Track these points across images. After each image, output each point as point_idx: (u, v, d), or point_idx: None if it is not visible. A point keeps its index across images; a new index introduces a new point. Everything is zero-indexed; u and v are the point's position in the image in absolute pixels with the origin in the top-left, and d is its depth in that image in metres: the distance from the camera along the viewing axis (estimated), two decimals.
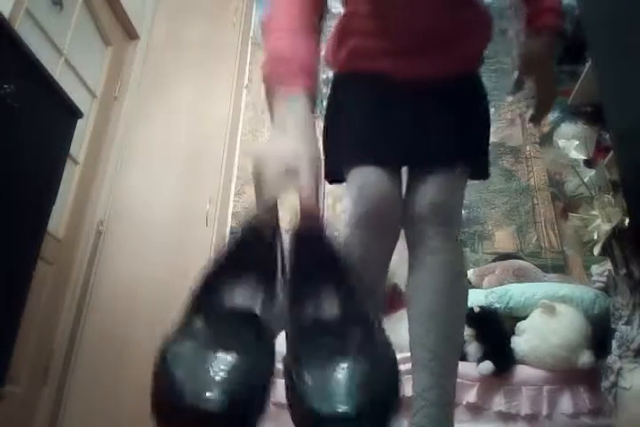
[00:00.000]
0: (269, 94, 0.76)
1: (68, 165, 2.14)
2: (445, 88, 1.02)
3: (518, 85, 1.11)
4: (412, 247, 1.02)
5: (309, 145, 0.65)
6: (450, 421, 0.90)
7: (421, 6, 0.98)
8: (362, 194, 0.96)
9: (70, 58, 2.37)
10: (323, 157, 0.87)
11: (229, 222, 2.75)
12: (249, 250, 0.57)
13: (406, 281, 1.04)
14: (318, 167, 0.64)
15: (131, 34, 2.98)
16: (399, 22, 1.00)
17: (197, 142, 2.78)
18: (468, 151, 1.04)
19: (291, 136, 0.66)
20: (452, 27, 1.03)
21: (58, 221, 2.25)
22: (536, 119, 1.15)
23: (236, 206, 2.80)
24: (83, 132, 2.47)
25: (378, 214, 0.95)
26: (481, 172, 1.09)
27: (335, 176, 1.04)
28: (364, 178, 0.96)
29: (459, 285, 1.01)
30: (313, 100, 0.74)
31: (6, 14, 1.78)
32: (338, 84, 1.11)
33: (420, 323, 0.96)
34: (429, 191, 0.99)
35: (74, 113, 1.93)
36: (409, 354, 0.98)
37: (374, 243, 0.96)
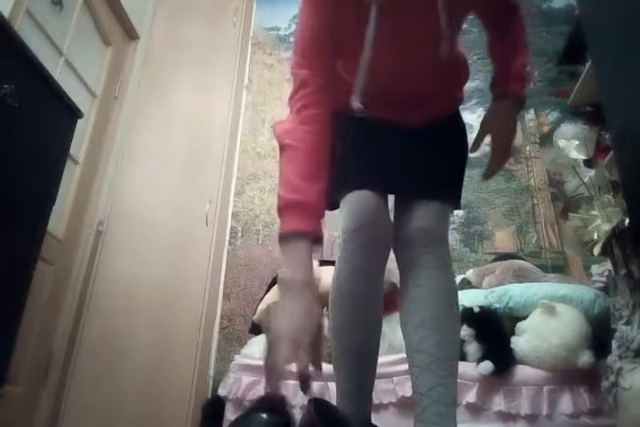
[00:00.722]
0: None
1: (68, 165, 2.14)
2: (430, 129, 1.13)
3: (475, 145, 1.17)
4: (404, 267, 1.08)
5: (308, 318, 0.74)
6: (454, 419, 0.92)
7: (406, 71, 1.07)
8: (352, 210, 1.03)
9: (70, 58, 2.37)
10: None
11: (229, 222, 2.75)
12: None
13: (399, 294, 1.09)
14: (318, 333, 0.74)
15: (131, 34, 2.98)
16: (387, 83, 1.08)
17: (197, 142, 2.78)
18: (446, 183, 1.13)
19: (293, 311, 0.75)
20: (435, 84, 1.11)
21: (58, 221, 2.25)
22: (487, 175, 1.22)
23: (236, 206, 2.80)
24: (83, 132, 2.47)
25: (368, 226, 1.01)
26: (455, 201, 1.16)
27: (330, 205, 1.08)
28: (355, 198, 1.04)
29: (450, 296, 1.06)
30: (317, 241, 0.84)
31: (6, 14, 1.78)
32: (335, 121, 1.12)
33: (414, 331, 1.00)
34: (417, 217, 1.06)
35: (74, 113, 1.93)
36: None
37: (367, 253, 1.02)
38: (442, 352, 0.96)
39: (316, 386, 1.72)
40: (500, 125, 1.15)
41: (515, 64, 1.16)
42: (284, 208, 0.84)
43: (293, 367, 0.72)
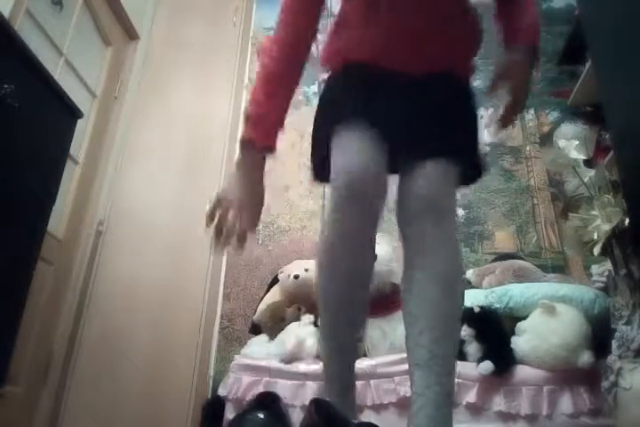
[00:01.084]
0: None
1: (68, 165, 2.14)
2: (438, 84, 1.05)
3: (492, 87, 1.11)
4: (409, 245, 1.02)
5: (250, 193, 1.05)
6: (450, 421, 0.89)
7: (410, 9, 1.02)
8: (345, 164, 0.96)
9: (70, 58, 2.37)
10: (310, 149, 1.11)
11: None
12: None
13: (401, 279, 1.04)
14: (256, 207, 1.06)
15: (131, 34, 2.98)
16: (389, 21, 1.04)
17: (197, 142, 2.78)
18: (458, 144, 1.04)
19: (238, 185, 1.03)
20: (439, 28, 1.05)
21: (58, 221, 2.25)
22: (502, 125, 1.15)
23: None
24: (83, 132, 2.47)
25: (361, 183, 0.94)
26: (473, 172, 1.09)
27: (322, 152, 1.04)
28: (349, 145, 0.97)
29: (456, 284, 1.00)
30: (267, 148, 1.03)
31: (6, 14, 1.78)
32: (331, 82, 1.14)
33: (415, 323, 0.96)
34: (425, 188, 0.99)
35: (74, 113, 1.93)
36: None
37: (358, 213, 0.95)
38: (441, 349, 0.93)
39: (315, 386, 1.72)
40: (516, 75, 1.08)
41: (525, 17, 1.11)
42: (245, 119, 1.01)
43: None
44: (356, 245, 1.00)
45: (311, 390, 1.73)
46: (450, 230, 1.00)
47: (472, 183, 1.12)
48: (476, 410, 1.59)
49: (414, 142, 1.02)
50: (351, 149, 0.97)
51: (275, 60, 1.04)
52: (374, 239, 1.03)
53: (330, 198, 0.99)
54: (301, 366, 1.78)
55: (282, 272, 2.13)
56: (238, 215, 0.97)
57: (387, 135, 1.00)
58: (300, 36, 1.06)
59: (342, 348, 1.10)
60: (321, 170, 1.08)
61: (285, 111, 1.04)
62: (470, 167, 1.08)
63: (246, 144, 1.01)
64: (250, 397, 1.83)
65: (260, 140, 1.01)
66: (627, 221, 1.43)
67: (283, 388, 1.71)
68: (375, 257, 1.09)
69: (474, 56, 1.16)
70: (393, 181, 1.05)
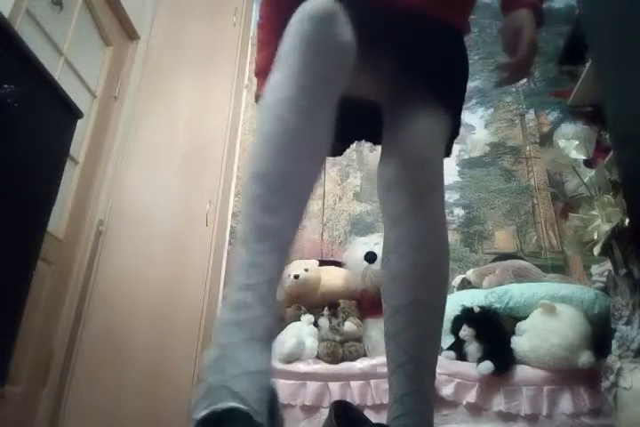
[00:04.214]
0: None
1: (68, 165, 2.14)
2: (429, 32, 0.95)
3: (501, 68, 1.01)
4: (385, 217, 0.93)
5: None
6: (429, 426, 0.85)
7: None
8: (304, 11, 0.74)
9: (70, 58, 2.37)
10: None
11: (229, 222, 2.75)
12: None
13: (381, 263, 0.94)
14: None
15: (131, 34, 2.98)
16: None
17: (197, 142, 2.78)
18: (446, 91, 0.95)
19: None
20: None
21: (58, 221, 2.25)
22: (500, 83, 1.04)
23: (236, 206, 2.80)
24: (83, 132, 2.47)
25: (321, 30, 0.73)
26: (453, 124, 0.98)
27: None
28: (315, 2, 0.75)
29: (441, 275, 0.92)
30: None
31: (6, 14, 1.78)
32: None
33: (392, 317, 0.89)
34: (413, 146, 0.91)
35: (74, 113, 1.93)
36: None
37: (315, 64, 0.72)
38: (419, 350, 0.86)
39: (315, 386, 1.72)
40: (525, 36, 0.98)
41: None
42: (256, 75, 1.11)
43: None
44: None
45: (311, 390, 1.73)
46: (437, 211, 0.92)
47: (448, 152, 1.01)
48: (476, 410, 1.59)
49: (410, 82, 0.91)
50: (317, 7, 0.74)
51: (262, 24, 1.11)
52: (330, 103, 0.74)
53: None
54: (301, 366, 1.78)
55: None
56: None
57: (384, 54, 0.88)
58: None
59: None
60: None
61: None
62: (453, 116, 0.97)
63: (257, 98, 1.07)
64: None
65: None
66: (627, 221, 1.43)
67: (283, 388, 1.71)
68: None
69: (470, 10, 1.07)
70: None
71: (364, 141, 1.08)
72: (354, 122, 0.91)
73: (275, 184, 0.68)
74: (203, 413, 0.51)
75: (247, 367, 0.56)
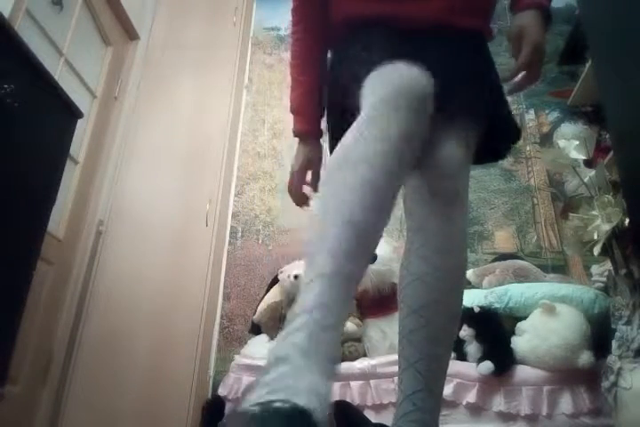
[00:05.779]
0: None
1: (68, 165, 2.14)
2: (453, 44, 0.99)
3: (513, 74, 1.01)
4: (418, 218, 0.96)
5: (300, 159, 1.16)
6: (435, 426, 0.86)
7: None
8: (389, 76, 0.81)
9: (70, 58, 2.37)
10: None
11: (229, 222, 2.75)
12: None
13: (400, 265, 0.98)
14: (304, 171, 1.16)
15: (131, 34, 2.98)
16: None
17: (197, 142, 2.78)
18: (487, 103, 0.99)
19: (295, 157, 1.17)
20: None
21: (58, 221, 2.25)
22: (512, 91, 1.06)
23: (235, 206, 2.80)
24: (83, 132, 2.47)
25: (409, 89, 0.78)
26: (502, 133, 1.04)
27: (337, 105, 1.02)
28: (390, 67, 0.83)
29: (459, 281, 0.96)
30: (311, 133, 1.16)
31: (6, 14, 1.78)
32: (343, 43, 1.06)
33: (408, 316, 0.92)
34: (444, 158, 0.95)
35: (74, 113, 1.93)
36: None
37: (408, 116, 0.76)
38: (433, 349, 0.88)
39: None
40: (529, 38, 0.98)
41: None
42: (292, 113, 1.18)
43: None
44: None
45: None
46: (460, 219, 0.95)
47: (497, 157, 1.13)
48: (476, 410, 1.59)
49: (446, 100, 0.91)
50: (397, 68, 0.82)
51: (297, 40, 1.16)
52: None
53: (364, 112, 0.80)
54: None
55: (282, 272, 2.14)
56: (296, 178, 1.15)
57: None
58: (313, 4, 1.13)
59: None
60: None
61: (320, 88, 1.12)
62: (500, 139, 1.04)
63: (294, 134, 1.17)
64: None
65: (298, 129, 1.17)
66: (627, 221, 1.43)
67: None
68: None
69: (491, 12, 1.11)
70: None
71: None
72: None
73: (364, 233, 0.68)
74: (255, 405, 0.48)
75: (318, 387, 0.53)
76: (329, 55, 1.15)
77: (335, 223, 0.67)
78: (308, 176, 1.15)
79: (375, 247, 0.73)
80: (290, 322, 0.59)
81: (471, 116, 0.99)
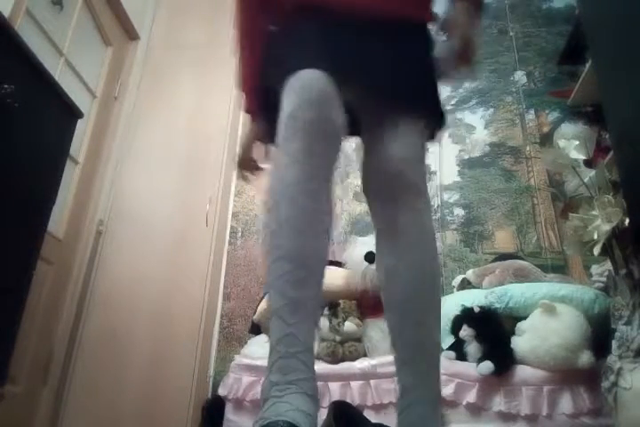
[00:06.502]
0: None
1: (68, 165, 2.14)
2: (392, 31, 0.98)
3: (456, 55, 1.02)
4: (377, 222, 1.00)
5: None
6: (438, 417, 0.88)
7: None
8: (294, 88, 0.85)
9: (70, 58, 2.37)
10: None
11: (229, 222, 2.75)
12: None
13: (376, 264, 1.01)
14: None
15: (131, 34, 2.98)
16: None
17: (197, 142, 2.78)
18: (419, 92, 0.99)
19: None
20: None
21: (58, 221, 2.25)
22: (442, 75, 1.05)
23: (235, 206, 2.80)
24: (83, 132, 2.47)
25: (314, 106, 0.83)
26: (435, 121, 1.03)
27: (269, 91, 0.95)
28: (300, 77, 0.85)
29: (434, 275, 0.98)
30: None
31: (6, 14, 1.78)
32: (280, 30, 1.05)
33: (394, 315, 0.95)
34: (396, 147, 0.95)
35: (74, 113, 1.93)
36: None
37: (317, 148, 0.83)
38: (423, 345, 0.92)
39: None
40: (460, 22, 1.01)
41: None
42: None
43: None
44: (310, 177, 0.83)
45: None
46: (425, 210, 0.97)
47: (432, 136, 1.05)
48: (476, 410, 1.59)
49: (383, 93, 0.95)
50: (308, 75, 0.86)
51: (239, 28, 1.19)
52: (330, 182, 0.87)
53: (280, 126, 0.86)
54: None
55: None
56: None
57: (352, 82, 0.91)
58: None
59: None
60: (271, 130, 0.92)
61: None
62: (433, 115, 1.02)
63: (244, 111, 1.21)
64: (250, 397, 1.83)
65: (246, 108, 1.20)
66: (627, 221, 1.43)
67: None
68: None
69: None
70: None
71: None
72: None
73: (299, 261, 0.78)
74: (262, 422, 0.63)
75: (299, 406, 0.67)
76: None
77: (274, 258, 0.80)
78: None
79: (324, 265, 0.83)
80: (268, 356, 0.75)
81: (415, 104, 0.98)
